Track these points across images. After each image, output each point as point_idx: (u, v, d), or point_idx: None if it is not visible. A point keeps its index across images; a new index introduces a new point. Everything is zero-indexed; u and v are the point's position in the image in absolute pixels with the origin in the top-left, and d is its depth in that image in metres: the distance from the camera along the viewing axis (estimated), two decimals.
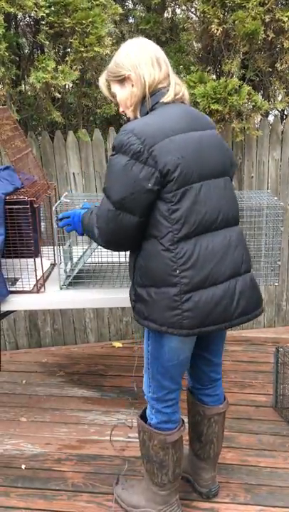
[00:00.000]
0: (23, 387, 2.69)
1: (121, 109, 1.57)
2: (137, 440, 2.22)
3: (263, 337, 3.09)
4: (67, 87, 3.05)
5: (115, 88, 1.53)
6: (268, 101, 2.85)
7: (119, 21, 3.52)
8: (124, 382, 2.69)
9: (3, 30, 2.19)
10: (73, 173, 2.85)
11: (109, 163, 1.46)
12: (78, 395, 2.60)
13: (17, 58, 2.54)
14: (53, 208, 1.85)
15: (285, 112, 3.29)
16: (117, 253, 2.04)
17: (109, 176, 1.45)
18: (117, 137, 1.42)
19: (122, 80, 1.49)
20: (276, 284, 1.93)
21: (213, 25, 2.46)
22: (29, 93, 2.56)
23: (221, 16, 2.46)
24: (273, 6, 2.44)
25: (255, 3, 2.39)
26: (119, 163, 1.40)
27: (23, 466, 2.11)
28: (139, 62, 1.45)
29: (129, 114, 1.54)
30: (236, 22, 2.44)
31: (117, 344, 3.09)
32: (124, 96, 1.50)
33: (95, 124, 3.28)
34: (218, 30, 2.46)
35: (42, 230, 2.42)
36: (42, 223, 2.40)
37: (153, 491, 1.78)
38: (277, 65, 2.58)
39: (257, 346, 2.99)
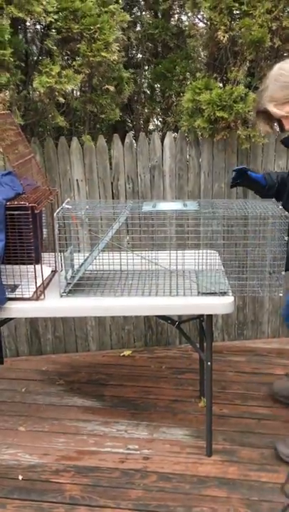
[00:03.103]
0: (22, 395, 2.66)
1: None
2: (137, 452, 2.19)
3: (266, 348, 3.04)
4: (75, 93, 3.05)
5: None
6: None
7: (127, 28, 3.54)
8: (125, 392, 2.65)
9: (9, 36, 2.18)
10: (77, 180, 2.83)
11: None
12: (78, 405, 2.56)
13: (23, 64, 2.53)
14: (54, 215, 1.82)
15: None
16: (118, 261, 2.02)
17: None
18: None
19: None
20: (280, 294, 1.89)
21: (219, 33, 2.44)
22: (35, 98, 2.54)
23: (228, 23, 2.45)
24: (280, 14, 2.42)
25: (262, 10, 2.37)
26: None
27: (20, 477, 2.07)
28: None
29: None
30: (243, 29, 2.43)
31: (127, 352, 3.05)
32: None
33: (101, 130, 3.27)
34: (224, 37, 2.44)
35: (44, 236, 2.40)
36: (44, 229, 2.38)
37: None
38: None
39: (261, 357, 2.94)
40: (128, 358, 3.01)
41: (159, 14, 3.50)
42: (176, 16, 3.56)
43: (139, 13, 3.70)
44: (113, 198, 2.88)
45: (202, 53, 3.18)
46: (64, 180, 2.82)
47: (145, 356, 3.02)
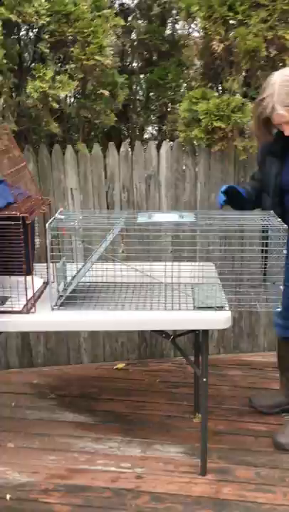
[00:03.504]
0: (11, 410, 2.58)
1: None
2: (129, 471, 2.12)
3: (262, 361, 2.98)
4: (69, 100, 3.02)
5: None
6: None
7: (121, 34, 3.51)
8: (118, 406, 2.58)
9: (1, 37, 2.14)
10: (71, 189, 2.78)
11: None
12: (69, 420, 2.48)
13: (16, 67, 2.49)
14: (47, 225, 1.77)
15: None
16: (112, 273, 1.96)
17: None
18: None
19: None
20: (278, 309, 1.84)
21: (214, 42, 2.42)
22: (28, 103, 2.49)
23: (223, 32, 2.42)
24: (276, 23, 2.40)
25: (257, 20, 2.35)
26: None
27: (8, 497, 1.99)
28: None
29: None
30: (238, 39, 2.40)
31: (121, 365, 2.99)
32: None
33: (96, 137, 3.22)
34: (219, 46, 2.41)
35: (36, 246, 2.34)
36: (36, 240, 2.32)
37: None
38: None
39: (257, 371, 2.88)
40: (121, 371, 2.94)
41: (152, 21, 3.47)
42: (169, 24, 3.54)
43: (134, 21, 3.69)
44: (108, 208, 2.83)
45: (197, 62, 3.16)
46: (58, 188, 2.77)
47: (139, 369, 2.95)
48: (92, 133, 3.22)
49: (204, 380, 1.94)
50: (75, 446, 2.29)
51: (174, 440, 2.31)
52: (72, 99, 3.04)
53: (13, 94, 2.60)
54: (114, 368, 2.97)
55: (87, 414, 2.52)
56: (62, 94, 2.54)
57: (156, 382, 2.80)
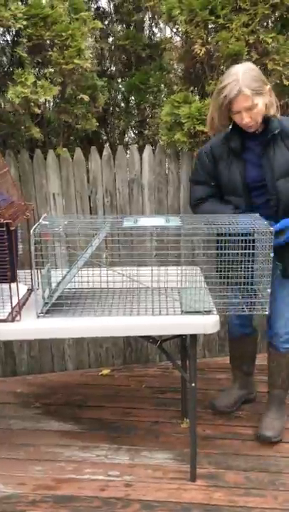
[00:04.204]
0: None
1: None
2: (118, 479, 2.09)
3: None
4: (47, 104, 2.97)
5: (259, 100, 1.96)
6: None
7: (99, 38, 3.49)
8: (104, 413, 2.54)
9: None
10: (53, 194, 2.74)
11: None
12: (55, 429, 2.44)
13: None
14: (31, 231, 1.73)
15: None
16: (98, 279, 1.93)
17: None
18: None
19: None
20: (266, 312, 1.84)
21: (196, 46, 2.41)
22: (7, 108, 2.44)
23: (204, 36, 2.42)
24: (257, 27, 2.41)
25: (238, 24, 2.35)
26: None
27: None
28: None
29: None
30: (220, 43, 2.40)
31: (106, 371, 2.95)
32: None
33: (77, 141, 3.19)
34: (201, 50, 2.41)
35: (19, 252, 2.30)
36: (20, 246, 2.28)
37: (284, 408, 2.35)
38: None
39: None
40: (107, 378, 2.91)
41: (131, 26, 3.47)
42: (148, 28, 3.54)
43: (111, 25, 3.67)
44: (91, 213, 2.80)
45: (177, 66, 3.16)
46: (40, 194, 2.73)
47: (124, 375, 2.92)
48: (72, 137, 3.19)
49: (193, 385, 1.93)
50: (62, 456, 2.24)
51: (162, 446, 2.29)
52: (51, 104, 3.01)
53: None
54: (100, 374, 2.94)
55: (72, 423, 2.48)
56: (42, 99, 2.51)
57: (143, 388, 2.78)
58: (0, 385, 2.85)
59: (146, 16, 3.55)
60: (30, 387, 2.82)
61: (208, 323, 1.78)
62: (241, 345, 2.50)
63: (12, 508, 1.94)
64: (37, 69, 2.67)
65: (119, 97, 3.65)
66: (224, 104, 1.97)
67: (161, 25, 3.50)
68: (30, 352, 2.93)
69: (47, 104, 3.07)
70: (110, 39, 3.59)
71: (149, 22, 3.61)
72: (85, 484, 2.07)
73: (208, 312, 1.80)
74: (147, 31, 3.65)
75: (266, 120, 2.03)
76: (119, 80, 3.64)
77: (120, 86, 3.60)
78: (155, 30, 3.61)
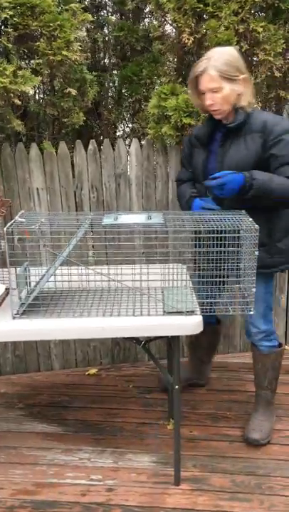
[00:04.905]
0: None
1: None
2: (100, 483, 2.03)
3: (238, 362, 2.92)
4: (38, 97, 2.88)
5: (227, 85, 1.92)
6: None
7: (93, 29, 3.40)
8: (89, 415, 2.48)
9: None
10: (37, 189, 2.66)
11: None
12: (38, 431, 2.37)
13: None
14: (4, 229, 1.66)
15: None
16: (77, 277, 1.86)
17: None
18: (283, 123, 1.95)
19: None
20: (250, 312, 1.77)
21: (184, 35, 2.33)
22: None
23: (193, 25, 2.33)
24: (247, 16, 2.32)
25: (228, 12, 2.27)
26: None
27: None
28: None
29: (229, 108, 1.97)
30: (208, 32, 2.32)
31: (93, 370, 2.88)
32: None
33: (67, 136, 3.10)
34: (189, 40, 2.32)
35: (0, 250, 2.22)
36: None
37: (272, 409, 2.33)
38: (252, 77, 2.46)
39: (232, 373, 2.82)
40: (94, 377, 2.84)
41: (127, 16, 3.37)
42: (145, 19, 3.45)
43: (106, 16, 3.58)
44: (76, 208, 2.72)
45: (170, 57, 3.07)
46: (23, 189, 2.65)
47: (112, 375, 2.86)
48: (64, 131, 3.10)
49: (176, 387, 1.86)
50: (44, 459, 2.18)
51: (148, 449, 2.23)
52: (41, 96, 2.91)
53: None
54: (86, 373, 2.87)
55: (56, 424, 2.41)
56: (31, 91, 2.42)
57: (130, 388, 2.71)
58: None
59: (147, 8, 3.46)
60: (14, 388, 2.75)
61: (190, 324, 1.71)
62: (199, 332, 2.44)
63: None
64: (27, 60, 2.58)
65: (113, 89, 3.56)
66: (191, 80, 2.00)
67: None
68: (15, 351, 2.86)
69: (37, 97, 2.98)
70: (106, 31, 3.50)
71: (147, 12, 3.52)
72: (66, 489, 2.01)
73: (191, 313, 1.73)
74: (146, 23, 3.56)
75: (236, 111, 1.99)
76: (115, 72, 3.55)
77: (115, 78, 3.52)
78: (155, 22, 3.51)
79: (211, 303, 1.79)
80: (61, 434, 2.35)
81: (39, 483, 2.04)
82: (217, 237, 1.69)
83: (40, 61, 2.37)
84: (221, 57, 1.91)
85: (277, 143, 1.92)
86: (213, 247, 1.71)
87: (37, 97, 2.93)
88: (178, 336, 1.80)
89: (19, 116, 2.55)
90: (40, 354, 2.90)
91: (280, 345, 2.26)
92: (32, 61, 2.34)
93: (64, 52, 2.34)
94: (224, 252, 1.70)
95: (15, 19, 2.22)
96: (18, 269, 1.78)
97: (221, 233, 1.66)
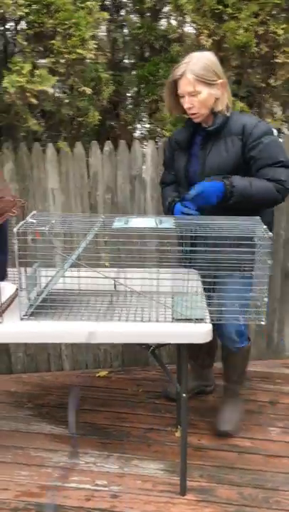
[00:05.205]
0: None
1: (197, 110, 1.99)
2: (105, 489, 2.00)
3: (251, 371, 2.84)
4: (57, 95, 2.87)
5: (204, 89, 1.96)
6: (263, 119, 2.66)
7: (113, 29, 3.38)
8: (98, 418, 2.46)
9: None
10: (52, 189, 2.65)
11: (274, 143, 1.98)
12: (45, 432, 2.36)
13: None
14: (14, 230, 1.65)
15: (283, 131, 3.11)
16: (88, 280, 1.83)
17: (281, 150, 1.99)
18: (261, 125, 1.99)
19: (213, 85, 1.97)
20: (262, 322, 1.73)
21: (202, 37, 2.29)
22: (6, 98, 2.35)
23: (212, 26, 2.29)
24: (267, 18, 2.27)
25: (247, 13, 2.22)
26: (278, 140, 2.02)
27: None
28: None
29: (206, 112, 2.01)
30: (227, 33, 2.27)
31: (103, 373, 2.87)
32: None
33: (87, 135, 3.09)
34: (207, 41, 2.29)
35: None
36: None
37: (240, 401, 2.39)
38: (271, 80, 2.41)
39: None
40: (104, 380, 2.82)
41: (145, 16, 3.34)
42: (163, 19, 3.41)
43: (126, 15, 3.55)
44: (91, 209, 2.71)
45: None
46: (38, 189, 2.65)
47: (122, 377, 2.83)
48: (83, 130, 3.10)
49: (184, 395, 1.83)
50: (50, 461, 2.17)
51: (154, 456, 2.20)
52: (58, 96, 2.91)
53: None
54: (97, 375, 2.85)
55: (64, 426, 2.40)
56: (51, 90, 2.41)
57: (140, 392, 2.69)
58: None
59: (165, 8, 3.43)
60: (24, 387, 2.75)
61: (198, 332, 1.67)
62: None
63: None
64: (38, 58, 2.57)
65: (135, 89, 3.54)
66: (170, 84, 2.03)
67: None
68: (27, 350, 2.87)
69: (57, 95, 2.97)
70: (126, 30, 3.49)
71: (165, 13, 3.49)
72: (70, 493, 1.99)
73: (200, 320, 1.69)
74: (164, 23, 3.53)
75: (215, 115, 2.02)
76: (134, 72, 3.53)
77: (133, 78, 3.49)
78: (174, 22, 3.48)
79: (221, 311, 1.75)
80: (68, 436, 2.33)
81: (44, 486, 2.03)
82: (230, 244, 1.65)
83: (55, 59, 2.36)
84: (198, 62, 1.95)
85: (257, 145, 1.96)
86: (227, 254, 1.67)
87: (57, 95, 2.93)
88: (186, 344, 1.77)
89: (38, 116, 2.55)
90: (51, 354, 2.89)
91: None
92: (46, 60, 2.33)
93: (79, 51, 2.33)
94: (239, 260, 1.65)
95: (30, 17, 2.21)
96: (28, 269, 1.77)
97: (233, 240, 1.62)
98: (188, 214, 1.99)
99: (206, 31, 2.31)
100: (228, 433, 2.27)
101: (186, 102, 1.98)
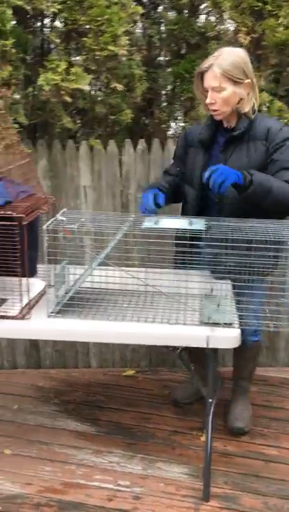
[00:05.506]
0: (13, 413, 2.49)
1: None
2: (127, 490, 1.99)
3: (280, 377, 2.80)
4: (94, 94, 2.87)
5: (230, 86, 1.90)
6: None
7: (149, 25, 3.35)
8: (123, 418, 2.45)
9: (11, 25, 2.02)
10: (84, 186, 2.66)
11: None
12: (70, 428, 2.37)
13: (27, 58, 2.37)
14: (44, 227, 1.65)
15: None
16: (116, 280, 1.82)
17: None
18: (286, 130, 1.94)
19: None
20: None
21: (241, 34, 2.24)
22: (42, 95, 2.36)
23: (250, 24, 2.24)
24: None
25: (288, 11, 2.15)
26: None
27: None
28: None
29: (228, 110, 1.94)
30: (266, 31, 2.21)
31: (130, 372, 2.86)
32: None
33: (122, 133, 3.08)
34: (246, 39, 2.23)
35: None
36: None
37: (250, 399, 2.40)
38: None
39: (273, 388, 2.70)
40: (130, 379, 2.81)
41: (182, 13, 3.30)
42: (201, 15, 3.36)
43: (163, 12, 3.52)
44: (122, 208, 2.70)
45: None
46: (71, 186, 2.66)
47: (149, 378, 2.82)
48: (117, 128, 3.09)
49: (210, 400, 1.79)
50: (74, 458, 2.17)
51: (179, 459, 2.17)
52: (92, 93, 2.91)
53: (29, 86, 2.49)
54: (123, 374, 2.85)
55: (89, 424, 2.40)
56: (87, 88, 2.41)
57: (166, 394, 2.66)
58: (22, 377, 2.82)
59: (203, 5, 3.38)
60: (51, 382, 2.77)
61: (226, 337, 1.63)
62: None
63: (16, 510, 1.90)
64: (71, 55, 2.57)
65: (169, 87, 3.51)
66: (197, 76, 1.98)
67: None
68: (55, 346, 2.89)
69: (92, 93, 2.97)
70: (162, 27, 3.46)
71: (203, 9, 3.44)
72: (92, 492, 1.99)
73: (229, 325, 1.65)
74: (202, 19, 3.48)
75: (239, 117, 1.97)
76: (169, 70, 3.50)
77: (169, 75, 3.46)
78: (212, 18, 3.43)
79: (253, 317, 1.70)
80: (93, 434, 2.34)
81: (67, 483, 2.03)
82: (265, 248, 1.61)
83: (86, 56, 2.35)
84: (228, 58, 1.89)
85: (279, 148, 1.92)
86: (259, 257, 1.62)
87: (92, 93, 2.93)
88: (214, 349, 1.73)
89: (73, 113, 2.55)
90: (78, 351, 2.90)
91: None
92: (78, 57, 2.33)
93: (110, 47, 2.31)
94: (269, 264, 1.61)
95: (63, 14, 2.21)
96: (56, 267, 1.78)
97: (264, 244, 1.57)
98: (148, 212, 1.98)
99: (244, 29, 2.25)
100: (242, 430, 2.27)
101: (209, 97, 1.93)
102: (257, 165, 1.91)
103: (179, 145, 2.20)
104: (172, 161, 2.27)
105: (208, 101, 1.94)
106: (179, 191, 2.15)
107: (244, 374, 2.37)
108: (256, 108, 1.98)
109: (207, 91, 1.94)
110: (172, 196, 2.16)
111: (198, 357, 2.42)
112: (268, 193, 1.81)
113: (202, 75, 1.95)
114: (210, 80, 1.90)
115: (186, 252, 1.74)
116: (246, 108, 1.93)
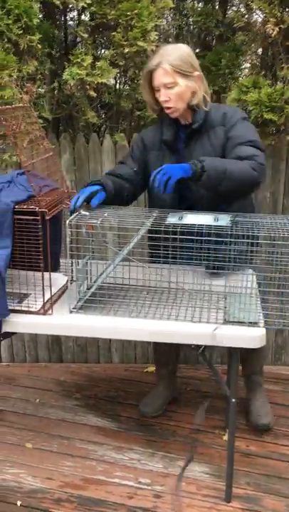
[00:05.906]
0: (35, 407, 2.50)
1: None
2: (148, 488, 1.98)
3: None
4: (119, 88, 2.84)
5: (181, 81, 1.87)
6: None
7: (177, 18, 3.30)
8: None
9: (38, 20, 2.00)
10: None
11: (249, 124, 1.98)
12: (91, 424, 2.37)
13: (53, 52, 2.35)
14: (67, 222, 1.64)
15: None
16: (139, 276, 1.80)
17: (254, 132, 1.95)
18: (240, 112, 2.00)
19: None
20: None
21: (269, 25, 2.17)
22: (66, 91, 2.35)
23: (279, 14, 2.17)
24: None
25: None
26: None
27: (19, 503, 1.91)
28: None
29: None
30: None
31: (151, 368, 2.84)
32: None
33: (146, 127, 3.06)
34: (274, 30, 2.17)
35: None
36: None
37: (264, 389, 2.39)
38: None
39: None
40: (152, 375, 2.79)
41: (212, 5, 3.23)
42: (233, 7, 3.28)
43: (190, 3, 3.47)
44: (145, 203, 2.67)
45: (253, 48, 2.90)
46: None
47: None
48: (142, 123, 3.06)
49: (233, 400, 1.75)
50: (94, 454, 2.17)
51: (200, 458, 2.14)
52: (118, 88, 2.88)
53: (54, 80, 2.48)
54: (145, 370, 2.83)
55: (110, 420, 2.40)
56: (112, 81, 2.39)
57: (188, 391, 2.63)
58: (44, 371, 2.83)
59: None
60: (73, 376, 2.78)
61: (250, 337, 1.59)
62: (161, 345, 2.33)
63: (36, 504, 1.90)
64: (101, 50, 2.55)
65: None
66: (145, 77, 1.92)
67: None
68: (77, 341, 2.89)
69: (117, 87, 2.94)
70: (191, 19, 3.41)
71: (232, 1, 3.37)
72: (113, 488, 1.98)
73: (254, 324, 1.61)
74: (232, 11, 3.41)
75: (194, 111, 1.94)
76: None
77: None
78: (242, 9, 3.36)
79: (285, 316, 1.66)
80: (114, 430, 2.33)
81: (87, 479, 2.03)
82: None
83: (114, 52, 2.33)
84: (175, 53, 1.86)
85: (234, 126, 1.92)
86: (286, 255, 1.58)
87: (117, 87, 2.90)
88: (236, 348, 1.69)
89: (98, 107, 2.53)
90: (100, 346, 2.90)
91: None
92: (106, 52, 2.30)
93: (140, 43, 2.28)
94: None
95: (92, 8, 2.19)
96: (79, 262, 1.76)
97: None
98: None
99: (272, 19, 2.18)
100: (267, 426, 2.26)
101: (162, 95, 1.87)
102: (221, 150, 1.92)
103: (137, 150, 2.09)
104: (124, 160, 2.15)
105: (162, 99, 1.88)
106: (120, 194, 2.02)
107: (256, 368, 2.36)
108: (208, 99, 1.97)
109: (158, 90, 1.89)
110: (111, 198, 1.95)
111: (166, 360, 2.43)
112: (223, 173, 1.77)
113: (150, 74, 1.89)
114: (161, 77, 1.85)
115: (210, 249, 1.70)
116: (197, 100, 1.91)
